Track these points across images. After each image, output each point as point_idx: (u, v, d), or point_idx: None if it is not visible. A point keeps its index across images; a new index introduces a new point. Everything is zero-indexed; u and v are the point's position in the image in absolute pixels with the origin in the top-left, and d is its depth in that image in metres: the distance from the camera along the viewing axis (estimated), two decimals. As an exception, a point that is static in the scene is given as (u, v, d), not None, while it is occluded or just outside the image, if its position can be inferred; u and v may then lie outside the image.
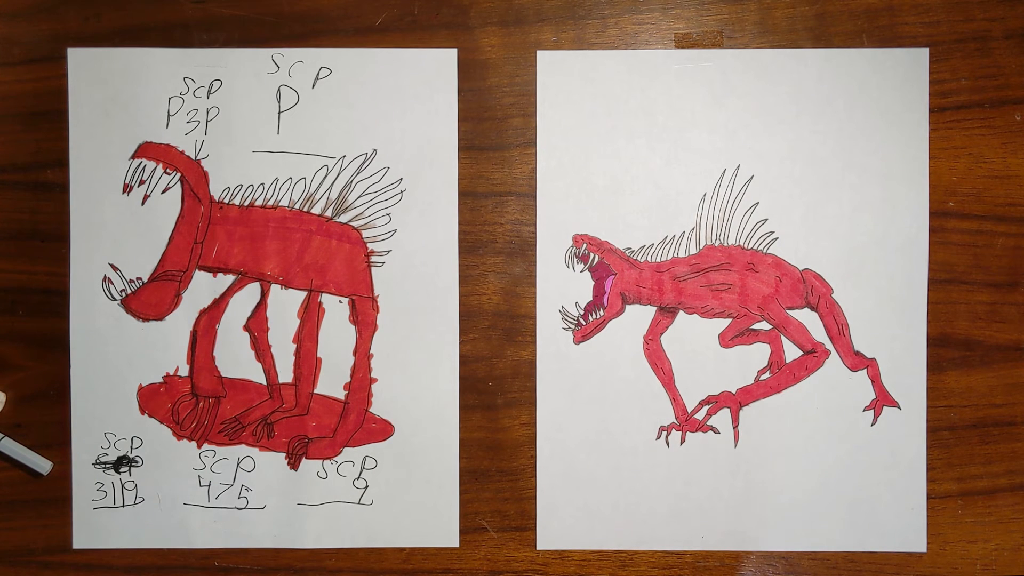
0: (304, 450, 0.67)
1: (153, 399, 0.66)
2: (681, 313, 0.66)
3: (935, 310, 0.66)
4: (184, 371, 0.66)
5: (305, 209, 0.66)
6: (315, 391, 0.66)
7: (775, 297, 0.66)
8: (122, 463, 0.66)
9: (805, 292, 0.66)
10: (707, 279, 0.66)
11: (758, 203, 0.66)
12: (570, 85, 0.66)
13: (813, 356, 0.66)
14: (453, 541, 0.66)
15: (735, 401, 0.66)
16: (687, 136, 0.66)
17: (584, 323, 0.66)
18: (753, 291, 0.66)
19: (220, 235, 0.66)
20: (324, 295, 0.66)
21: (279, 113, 0.66)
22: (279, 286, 0.66)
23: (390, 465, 0.66)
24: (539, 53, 0.66)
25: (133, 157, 0.66)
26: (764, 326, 0.66)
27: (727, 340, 0.66)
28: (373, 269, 0.66)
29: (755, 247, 0.66)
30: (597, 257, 0.66)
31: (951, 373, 0.66)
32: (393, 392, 0.66)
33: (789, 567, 0.66)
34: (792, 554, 0.66)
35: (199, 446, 0.66)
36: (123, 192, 0.66)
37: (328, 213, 0.66)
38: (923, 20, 0.65)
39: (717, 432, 0.66)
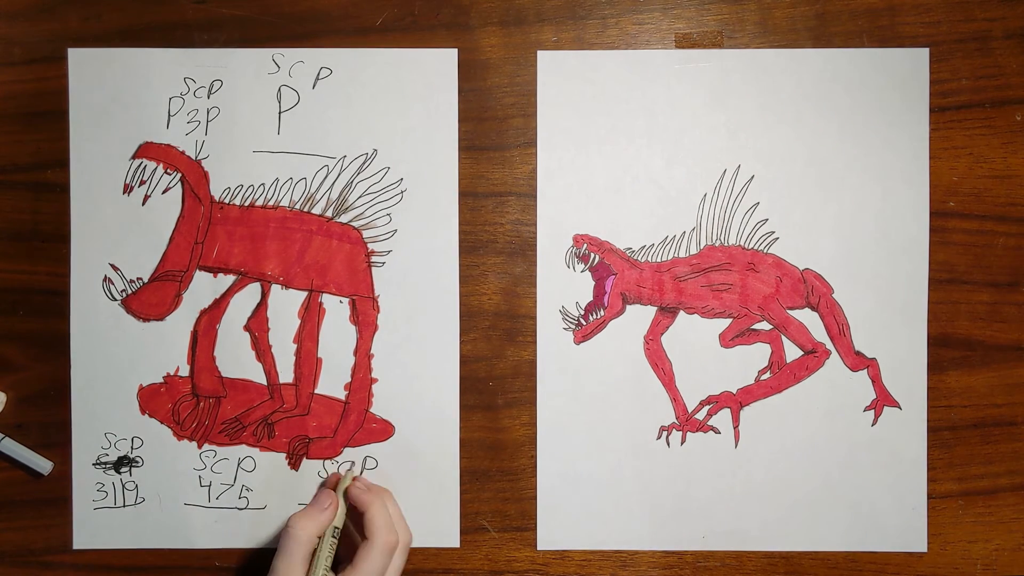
0: (305, 450, 0.67)
1: (153, 399, 0.66)
2: (681, 313, 0.66)
3: (936, 310, 0.66)
4: (184, 371, 0.66)
5: (305, 209, 0.66)
6: (315, 391, 0.66)
7: (775, 297, 0.66)
8: (122, 463, 0.66)
9: (806, 292, 0.66)
10: (707, 279, 0.66)
11: (758, 203, 0.66)
12: (570, 85, 0.66)
13: (813, 356, 0.66)
14: (454, 541, 0.66)
15: (736, 401, 0.66)
16: (687, 136, 0.66)
17: (584, 323, 0.66)
18: (753, 291, 0.66)
19: (220, 235, 0.66)
20: (324, 295, 0.66)
21: (279, 113, 0.66)
22: (279, 286, 0.66)
23: (390, 465, 0.66)
24: (539, 53, 0.66)
25: (133, 157, 0.66)
26: (764, 326, 0.66)
27: (727, 340, 0.66)
28: (373, 269, 0.66)
29: (755, 247, 0.66)
30: (597, 257, 0.66)
31: (952, 373, 0.66)
32: (393, 392, 0.66)
33: (789, 567, 0.66)
34: (792, 554, 0.66)
35: (200, 446, 0.66)
36: (123, 192, 0.66)
37: (329, 213, 0.66)
38: (923, 20, 0.65)
39: (718, 432, 0.66)
